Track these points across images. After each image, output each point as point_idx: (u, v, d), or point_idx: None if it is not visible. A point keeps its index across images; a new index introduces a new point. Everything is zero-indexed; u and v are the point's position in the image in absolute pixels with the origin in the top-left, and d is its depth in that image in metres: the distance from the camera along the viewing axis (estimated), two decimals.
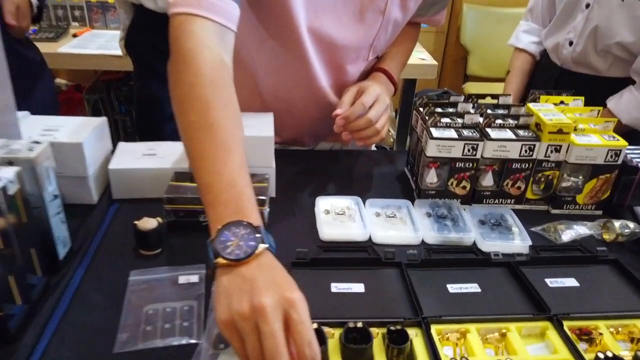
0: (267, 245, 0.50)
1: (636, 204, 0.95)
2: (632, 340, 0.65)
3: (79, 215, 0.77)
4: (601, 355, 0.61)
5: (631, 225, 0.86)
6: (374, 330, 0.62)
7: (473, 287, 0.74)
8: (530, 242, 0.84)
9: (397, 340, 0.61)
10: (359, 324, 0.61)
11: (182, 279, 0.68)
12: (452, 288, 0.73)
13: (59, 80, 2.62)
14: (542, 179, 0.94)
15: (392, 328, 0.62)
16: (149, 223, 0.72)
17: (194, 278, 0.68)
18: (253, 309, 0.43)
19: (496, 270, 0.78)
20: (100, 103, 2.41)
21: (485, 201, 0.95)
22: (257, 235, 0.49)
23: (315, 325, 0.58)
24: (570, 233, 0.86)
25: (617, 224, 0.86)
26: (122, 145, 0.88)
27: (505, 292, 0.73)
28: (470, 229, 0.86)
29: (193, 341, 0.59)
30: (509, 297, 0.72)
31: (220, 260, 0.48)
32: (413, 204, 0.92)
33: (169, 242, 0.75)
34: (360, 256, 0.77)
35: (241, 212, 0.50)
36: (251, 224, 0.50)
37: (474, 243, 0.85)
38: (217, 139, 0.53)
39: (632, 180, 0.93)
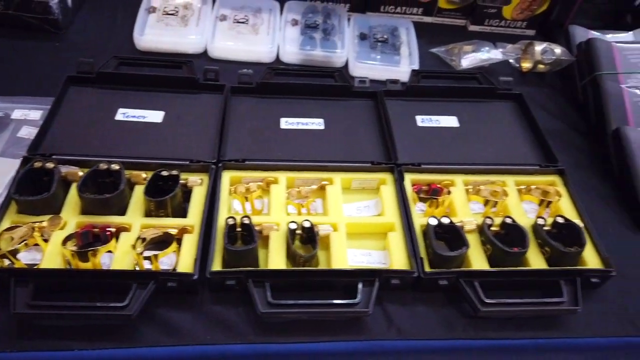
0: None
1: (579, 22, 0.71)
2: (486, 202, 0.50)
3: None
4: (433, 222, 0.46)
5: (557, 50, 0.65)
6: (137, 175, 0.47)
7: (315, 124, 0.56)
8: (416, 67, 0.64)
9: (157, 190, 0.46)
10: (109, 166, 0.46)
11: None
12: (287, 123, 0.56)
13: None
14: None
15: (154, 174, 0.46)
16: None
17: None
18: None
19: (356, 103, 0.59)
20: None
21: (384, 9, 0.72)
22: None
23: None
24: (473, 57, 0.65)
25: (539, 47, 0.65)
26: None
27: (352, 132, 0.56)
28: (343, 45, 0.65)
29: None
30: (355, 138, 0.55)
31: None
32: (283, 5, 0.69)
33: None
34: (173, 74, 0.58)
35: None
36: None
37: (347, 65, 0.65)
38: None
39: None
